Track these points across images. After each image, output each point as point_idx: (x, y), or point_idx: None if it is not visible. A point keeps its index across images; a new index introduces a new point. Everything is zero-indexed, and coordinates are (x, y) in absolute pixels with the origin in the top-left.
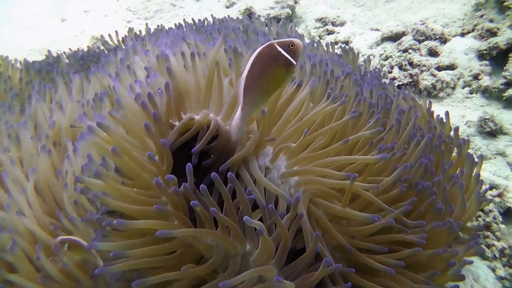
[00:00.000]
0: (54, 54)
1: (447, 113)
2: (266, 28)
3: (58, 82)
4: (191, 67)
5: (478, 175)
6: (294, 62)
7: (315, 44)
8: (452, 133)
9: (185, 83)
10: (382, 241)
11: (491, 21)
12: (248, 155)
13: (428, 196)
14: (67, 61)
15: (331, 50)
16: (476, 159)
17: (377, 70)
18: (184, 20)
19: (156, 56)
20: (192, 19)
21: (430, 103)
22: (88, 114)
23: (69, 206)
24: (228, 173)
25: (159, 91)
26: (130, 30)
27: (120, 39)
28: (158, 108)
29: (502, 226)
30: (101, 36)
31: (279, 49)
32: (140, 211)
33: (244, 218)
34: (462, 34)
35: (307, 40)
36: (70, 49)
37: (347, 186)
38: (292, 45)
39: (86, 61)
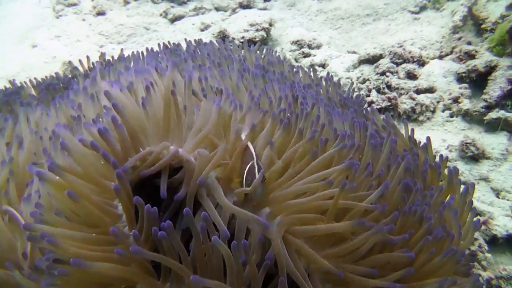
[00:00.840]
0: (20, 82)
1: (428, 139)
2: (243, 51)
3: (20, 114)
4: (152, 100)
5: (471, 202)
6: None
7: (294, 69)
8: (437, 160)
9: (138, 118)
10: (371, 264)
11: (469, 43)
12: (212, 185)
13: (417, 220)
14: (32, 91)
15: (312, 75)
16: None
17: (360, 97)
18: (158, 44)
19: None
20: (164, 44)
21: (413, 130)
22: (49, 149)
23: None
24: (202, 213)
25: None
26: (101, 55)
27: (91, 64)
28: (112, 146)
29: (488, 255)
30: (69, 62)
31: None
32: (98, 257)
33: (212, 238)
34: (440, 57)
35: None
36: (35, 78)
37: (324, 201)
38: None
39: (51, 90)
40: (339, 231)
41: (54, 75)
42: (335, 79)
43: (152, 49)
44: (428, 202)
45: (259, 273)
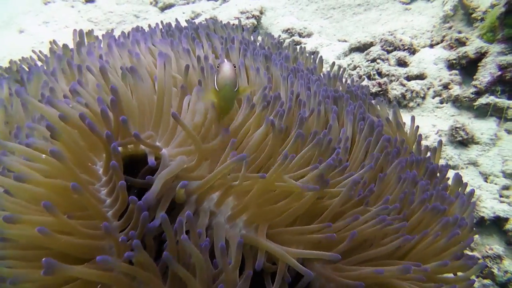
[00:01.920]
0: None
1: (440, 143)
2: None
3: None
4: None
5: (474, 203)
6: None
7: (298, 51)
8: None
9: (127, 101)
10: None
11: (460, 32)
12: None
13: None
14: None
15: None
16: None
17: (364, 87)
18: (149, 25)
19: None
20: (155, 25)
21: (418, 128)
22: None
23: None
24: (187, 212)
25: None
26: (89, 32)
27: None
28: (111, 128)
29: (476, 236)
30: (53, 41)
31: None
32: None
33: (181, 237)
34: (431, 45)
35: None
36: (10, 60)
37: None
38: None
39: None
40: (307, 192)
41: (35, 56)
42: (326, 66)
43: (142, 28)
44: (430, 189)
45: (241, 281)
